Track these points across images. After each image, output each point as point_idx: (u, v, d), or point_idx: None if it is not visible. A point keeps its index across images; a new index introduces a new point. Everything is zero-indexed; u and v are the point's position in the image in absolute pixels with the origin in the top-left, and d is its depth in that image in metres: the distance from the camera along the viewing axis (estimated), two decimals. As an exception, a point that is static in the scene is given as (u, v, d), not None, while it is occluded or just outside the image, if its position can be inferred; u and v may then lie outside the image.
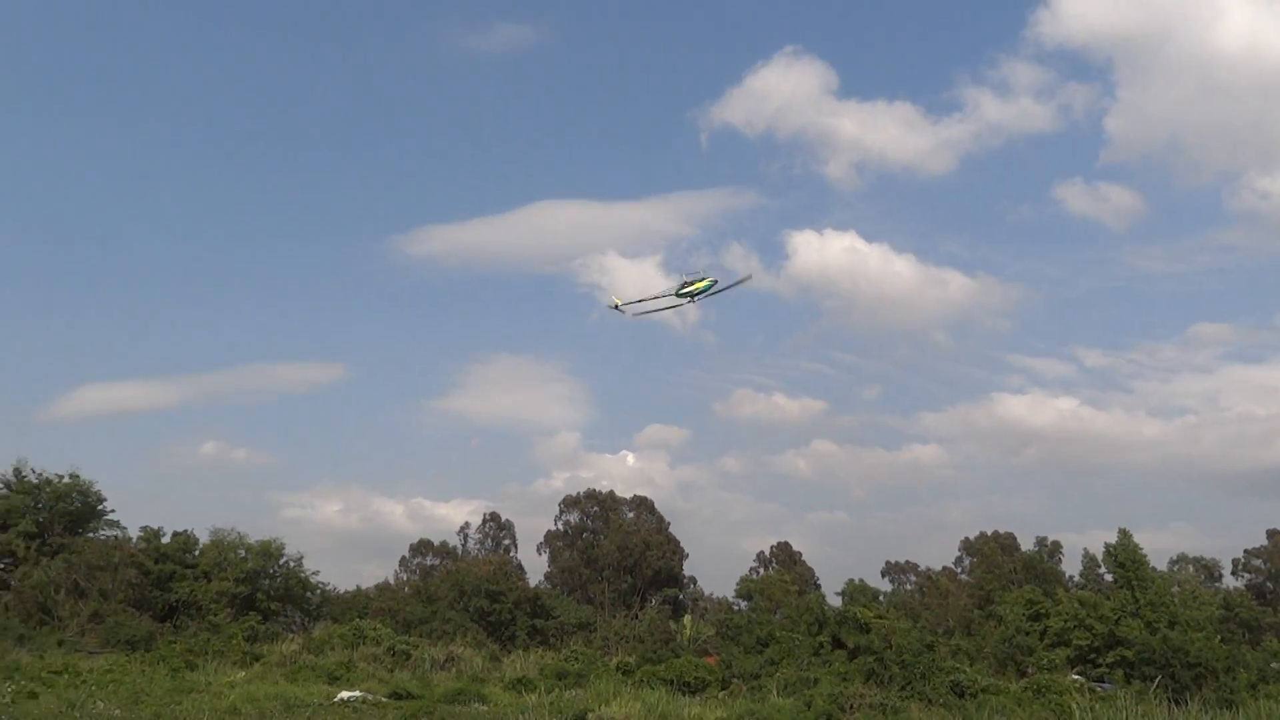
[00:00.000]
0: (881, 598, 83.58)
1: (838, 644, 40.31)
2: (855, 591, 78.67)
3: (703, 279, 55.13)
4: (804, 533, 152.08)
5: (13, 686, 28.25)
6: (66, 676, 31.95)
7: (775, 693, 31.64)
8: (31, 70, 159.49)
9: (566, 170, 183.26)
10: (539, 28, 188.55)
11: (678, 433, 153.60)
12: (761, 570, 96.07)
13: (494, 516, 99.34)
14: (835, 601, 69.35)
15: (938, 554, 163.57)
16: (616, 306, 55.69)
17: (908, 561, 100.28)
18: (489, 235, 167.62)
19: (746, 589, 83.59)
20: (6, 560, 60.85)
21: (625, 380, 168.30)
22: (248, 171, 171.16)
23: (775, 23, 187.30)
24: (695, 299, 54.88)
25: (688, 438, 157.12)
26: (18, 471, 63.78)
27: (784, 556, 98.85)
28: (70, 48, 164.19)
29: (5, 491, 62.77)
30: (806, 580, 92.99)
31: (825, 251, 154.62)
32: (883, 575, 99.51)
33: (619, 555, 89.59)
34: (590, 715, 23.68)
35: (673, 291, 54.46)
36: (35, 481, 63.58)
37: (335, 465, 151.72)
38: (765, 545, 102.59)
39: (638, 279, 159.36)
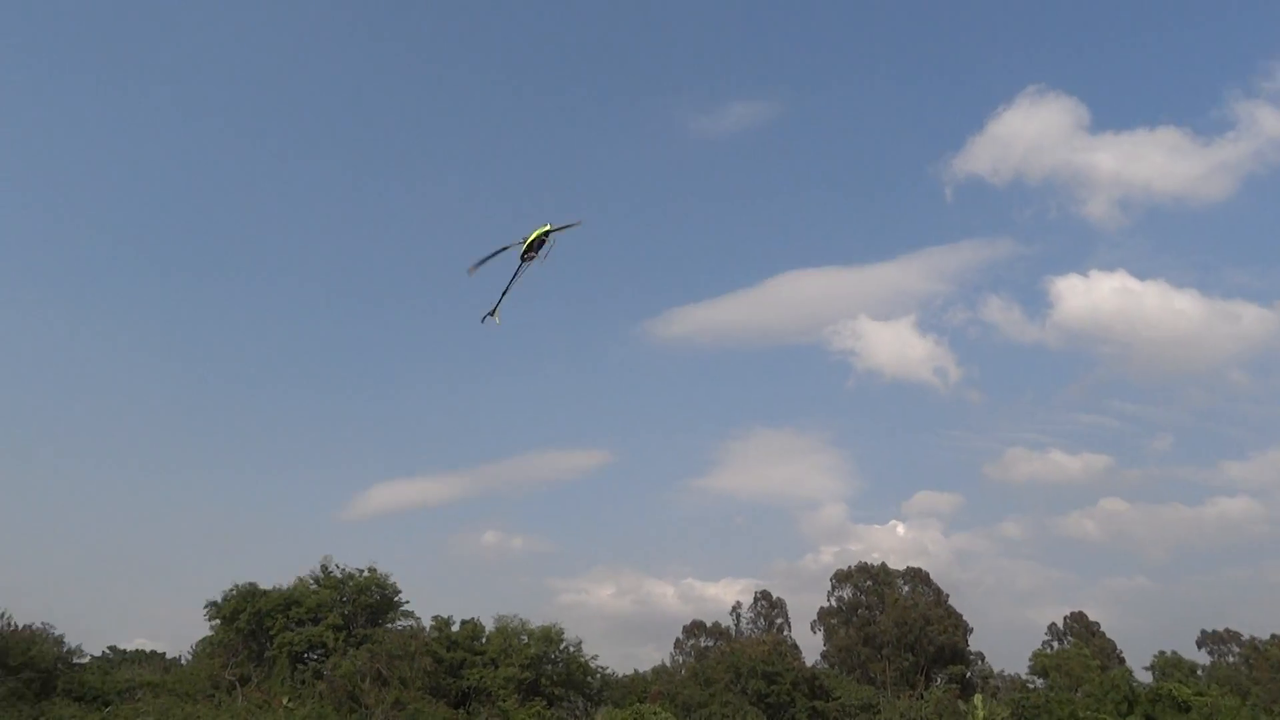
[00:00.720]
0: (1200, 672, 75.45)
1: (1153, 725, 36.56)
2: (1168, 665, 71.61)
3: (538, 229, 49.79)
4: (1100, 601, 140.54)
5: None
6: (376, 764, 33.72)
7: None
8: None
9: (810, 238, 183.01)
10: (770, 103, 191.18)
11: (949, 498, 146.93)
12: (1056, 644, 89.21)
13: (765, 595, 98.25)
14: (1144, 677, 63.23)
15: (1264, 620, 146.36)
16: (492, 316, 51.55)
17: (1228, 630, 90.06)
18: (738, 311, 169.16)
19: (1041, 665, 77.71)
20: (319, 651, 65.82)
21: (888, 447, 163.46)
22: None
23: (1013, 64, 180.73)
24: (539, 253, 49.37)
25: (960, 503, 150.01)
26: (324, 568, 69.26)
27: (1080, 628, 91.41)
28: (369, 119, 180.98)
29: (315, 587, 68.21)
30: (1108, 654, 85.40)
31: (1093, 295, 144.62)
32: (1199, 646, 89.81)
33: (898, 631, 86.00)
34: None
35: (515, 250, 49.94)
36: (339, 576, 68.75)
37: (607, 549, 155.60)
38: (1057, 616, 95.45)
39: (892, 342, 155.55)
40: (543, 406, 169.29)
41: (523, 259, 50.23)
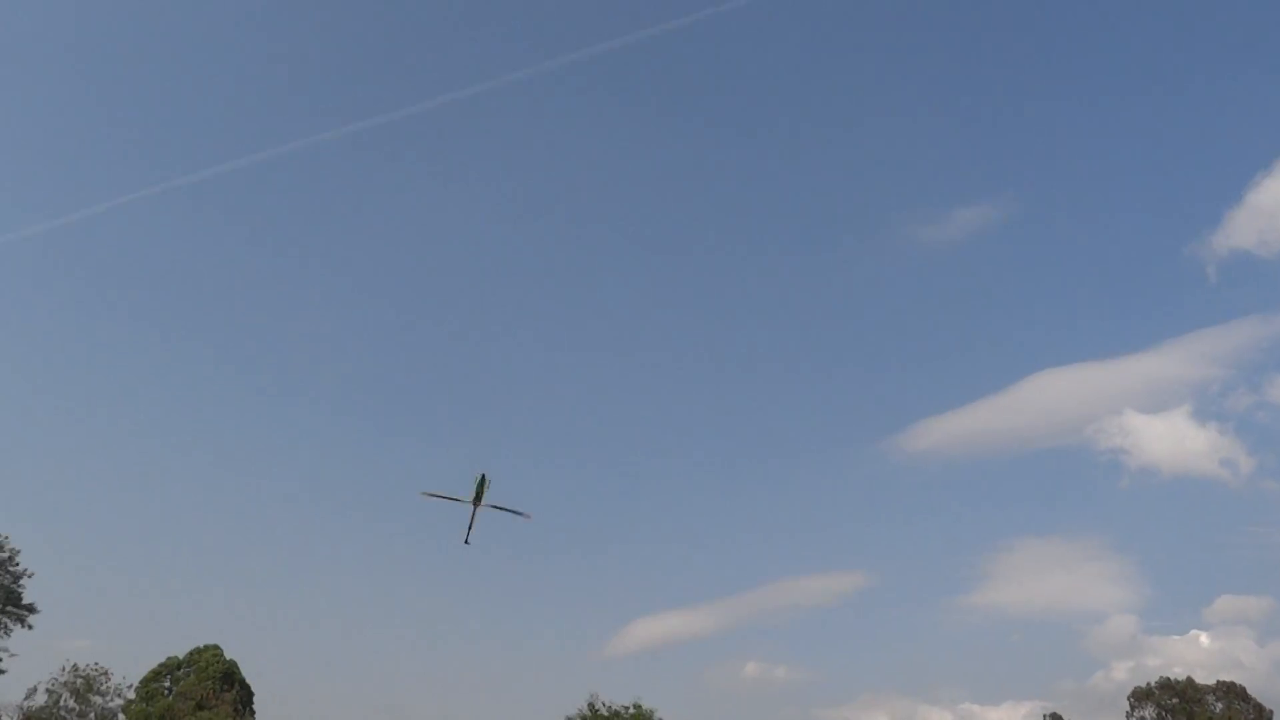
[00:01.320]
0: None
1: None
2: None
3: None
4: None
5: None
6: None
7: None
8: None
9: (1060, 335, 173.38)
10: (996, 205, 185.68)
11: (1259, 603, 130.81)
12: None
13: (1055, 717, 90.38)
14: None
15: None
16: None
17: None
18: (989, 417, 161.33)
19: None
20: (592, 789, 66.06)
21: (1178, 549, 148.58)
22: (736, 396, 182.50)
23: (1269, 131, 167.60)
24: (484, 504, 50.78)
25: (1274, 607, 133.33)
26: (591, 705, 70.08)
27: None
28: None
29: (583, 724, 69.04)
30: None
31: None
32: None
33: (1214, 754, 76.73)
34: None
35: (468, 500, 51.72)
36: (606, 714, 69.24)
37: (873, 675, 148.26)
38: None
39: (1166, 435, 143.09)
40: (791, 532, 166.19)
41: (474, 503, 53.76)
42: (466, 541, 52.27)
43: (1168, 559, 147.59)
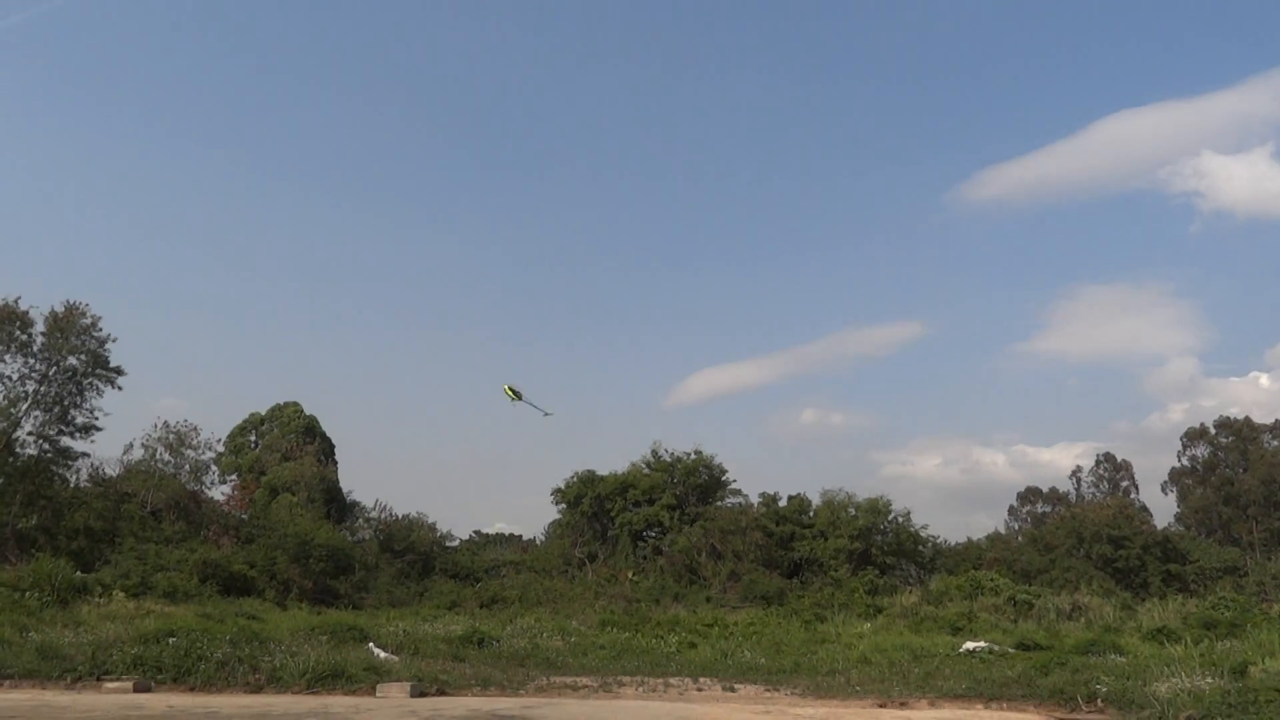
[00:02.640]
0: None
1: None
2: None
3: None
4: None
5: (676, 637, 32.23)
6: (717, 629, 35.60)
7: None
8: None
9: (1134, 72, 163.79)
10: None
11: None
12: None
13: (1108, 457, 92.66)
14: None
15: None
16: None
17: None
18: (1056, 163, 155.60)
19: None
20: (656, 530, 69.83)
21: (1246, 293, 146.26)
22: (801, 155, 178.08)
23: None
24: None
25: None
26: (655, 453, 73.02)
27: None
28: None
29: (647, 471, 72.11)
30: None
31: None
32: None
33: (1265, 489, 78.45)
34: (1253, 669, 20.61)
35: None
36: (669, 460, 72.20)
37: (929, 420, 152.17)
38: None
39: (1245, 176, 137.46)
40: (853, 282, 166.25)
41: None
42: (546, 414, 61.49)
43: (1233, 303, 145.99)
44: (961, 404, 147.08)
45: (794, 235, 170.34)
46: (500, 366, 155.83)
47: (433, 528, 73.04)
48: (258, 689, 21.05)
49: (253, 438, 78.81)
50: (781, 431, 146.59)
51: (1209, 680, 19.22)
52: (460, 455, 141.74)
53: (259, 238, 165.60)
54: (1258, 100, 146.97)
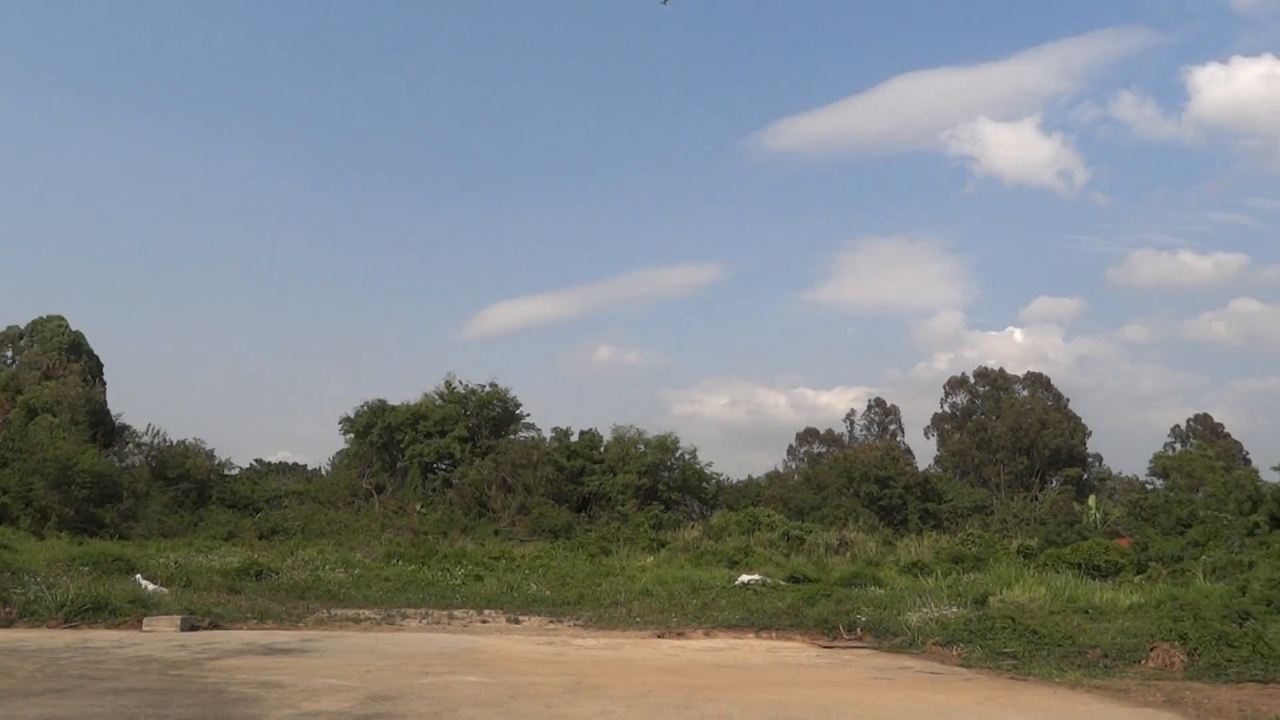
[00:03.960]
0: (1331, 471, 73.41)
1: (1276, 524, 35.93)
2: (1296, 465, 69.59)
3: None
4: (1228, 404, 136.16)
5: (462, 570, 32.36)
6: (504, 561, 35.97)
7: (1201, 577, 28.82)
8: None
9: (923, 37, 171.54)
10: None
11: (1071, 304, 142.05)
12: (1178, 446, 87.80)
13: (879, 402, 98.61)
14: (1271, 477, 61.74)
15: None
16: None
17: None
18: (848, 119, 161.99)
19: (1162, 466, 76.79)
20: (447, 461, 69.42)
21: (1008, 254, 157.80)
22: (605, 92, 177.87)
23: None
24: None
25: (1082, 308, 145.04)
26: (448, 384, 72.27)
27: (1205, 430, 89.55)
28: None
29: (440, 402, 71.35)
30: (1233, 455, 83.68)
31: (1235, 84, 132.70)
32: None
33: (1013, 436, 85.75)
34: (992, 599, 22.82)
35: None
36: (463, 392, 71.67)
37: (719, 361, 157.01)
38: (1181, 419, 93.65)
39: (1014, 144, 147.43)
40: (652, 223, 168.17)
41: None
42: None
43: (997, 262, 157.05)
44: (751, 347, 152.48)
45: (596, 171, 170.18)
46: (288, 285, 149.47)
47: (210, 454, 69.71)
48: (8, 623, 19.78)
49: (9, 353, 72.63)
50: (577, 368, 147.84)
51: (954, 609, 21.19)
52: (243, 379, 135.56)
53: (14, 134, 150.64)
54: (1029, 73, 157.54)
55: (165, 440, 68.54)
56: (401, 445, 69.57)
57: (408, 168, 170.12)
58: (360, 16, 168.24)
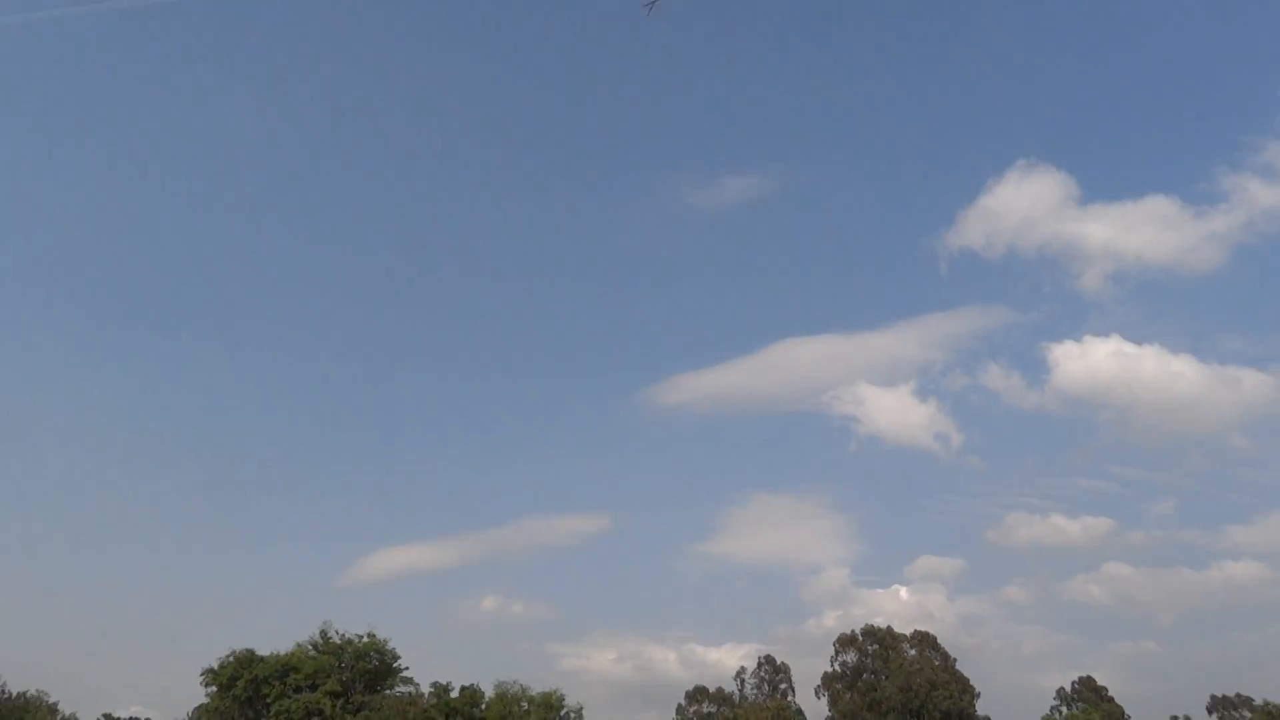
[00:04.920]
0: (1210, 737, 74.13)
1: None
2: (1178, 730, 70.23)
3: None
4: (1108, 665, 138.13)
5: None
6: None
7: None
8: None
9: (807, 307, 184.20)
10: (766, 178, 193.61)
11: (952, 563, 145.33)
12: (1064, 708, 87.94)
13: (769, 659, 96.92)
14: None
15: (1275, 684, 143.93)
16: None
17: (1239, 695, 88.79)
18: (737, 378, 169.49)
19: (1049, 730, 76.52)
20: (316, 718, 65.05)
21: (890, 512, 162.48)
22: (505, 334, 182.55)
23: (1001, 139, 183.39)
24: None
25: (963, 568, 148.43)
26: (324, 634, 68.82)
27: (1089, 693, 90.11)
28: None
29: (314, 653, 67.65)
30: (1117, 718, 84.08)
31: (1089, 360, 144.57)
32: (1209, 711, 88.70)
33: (903, 696, 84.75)
34: None
35: None
36: (339, 642, 68.21)
37: (607, 614, 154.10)
38: (1065, 680, 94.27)
39: (892, 408, 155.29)
40: (543, 473, 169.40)
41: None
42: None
43: (881, 520, 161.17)
44: (640, 600, 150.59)
45: (487, 421, 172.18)
46: (149, 521, 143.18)
47: (53, 708, 64.13)
48: None
49: None
50: (461, 618, 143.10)
51: None
52: (94, 623, 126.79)
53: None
54: (903, 342, 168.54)
55: (3, 693, 62.95)
56: (268, 700, 65.12)
57: (289, 408, 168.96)
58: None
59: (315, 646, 67.96)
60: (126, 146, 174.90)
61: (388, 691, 67.04)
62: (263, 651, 67.54)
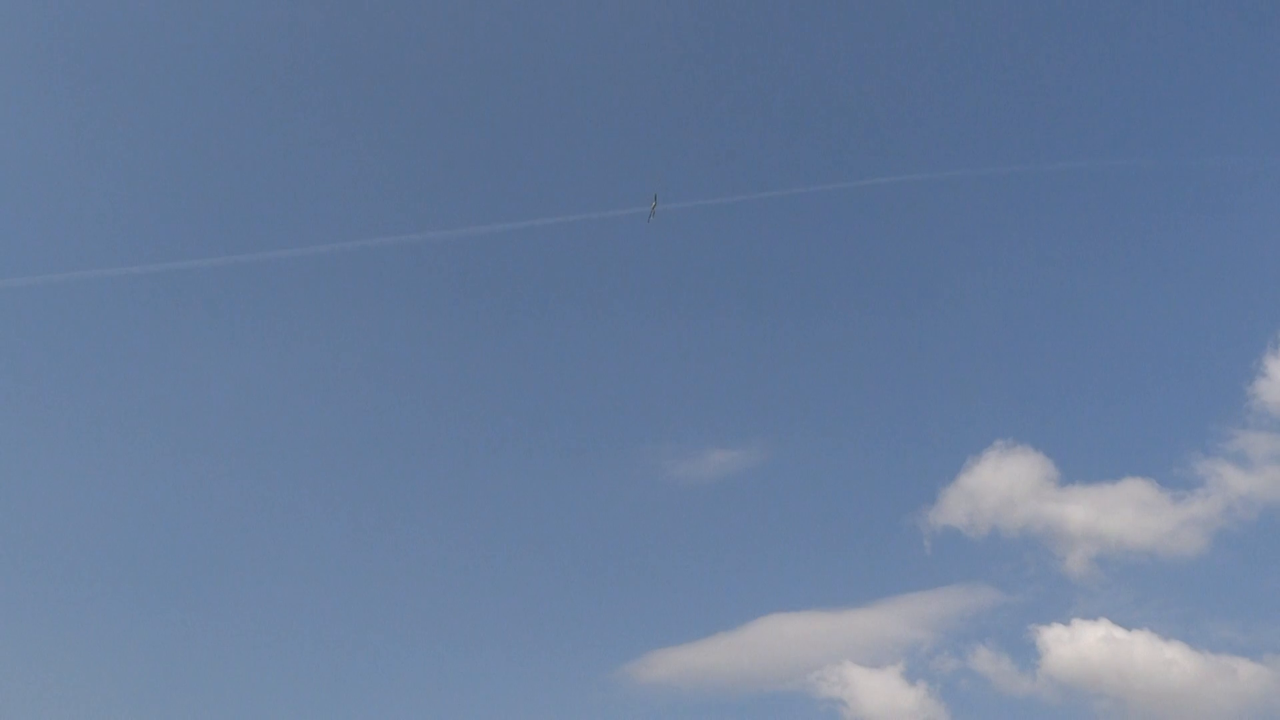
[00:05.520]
0: None
1: None
2: None
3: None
4: None
5: None
6: None
7: None
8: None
9: (791, 582, 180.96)
10: (749, 452, 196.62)
11: None
12: None
13: None
14: None
15: None
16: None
17: None
18: (719, 655, 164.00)
19: None
20: None
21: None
22: (479, 607, 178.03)
23: (980, 418, 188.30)
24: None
25: None
26: None
27: None
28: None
29: None
30: None
31: (1080, 645, 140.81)
32: None
33: None
34: None
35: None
36: None
37: None
38: None
39: (880, 690, 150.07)
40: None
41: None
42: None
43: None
44: None
45: (460, 700, 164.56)
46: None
47: None
48: None
49: None
50: None
51: None
52: None
53: None
54: (890, 621, 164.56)
55: None
56: None
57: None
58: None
59: None
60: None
61: None
62: None
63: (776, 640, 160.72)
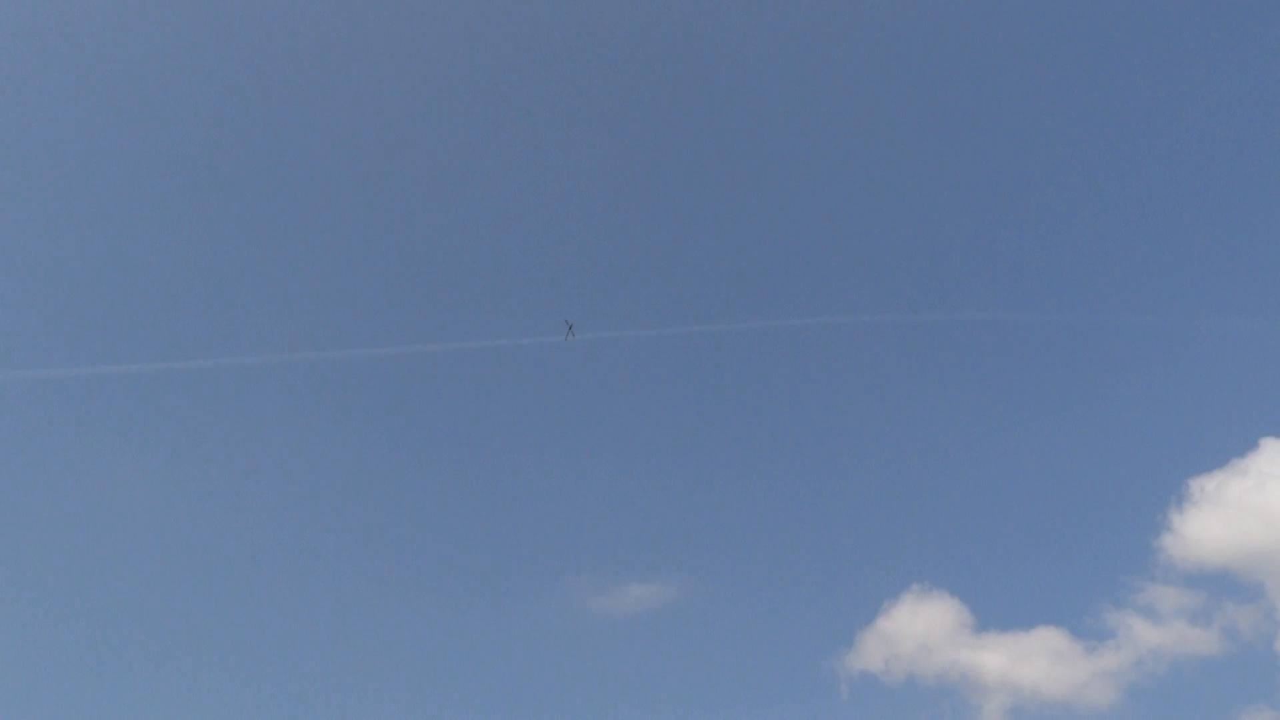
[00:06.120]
0: None
1: None
2: None
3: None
4: None
5: None
6: None
7: None
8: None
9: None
10: (667, 587, 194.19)
11: None
12: None
13: None
14: None
15: None
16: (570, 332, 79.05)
17: None
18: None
19: None
20: None
21: None
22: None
23: (898, 561, 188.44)
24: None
25: None
26: None
27: None
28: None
29: None
30: None
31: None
32: None
33: None
34: None
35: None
36: None
37: None
38: None
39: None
40: None
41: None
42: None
43: None
44: None
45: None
46: None
47: None
48: None
49: None
50: None
51: None
52: None
53: None
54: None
55: None
56: None
57: None
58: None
59: None
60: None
61: None
62: None
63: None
